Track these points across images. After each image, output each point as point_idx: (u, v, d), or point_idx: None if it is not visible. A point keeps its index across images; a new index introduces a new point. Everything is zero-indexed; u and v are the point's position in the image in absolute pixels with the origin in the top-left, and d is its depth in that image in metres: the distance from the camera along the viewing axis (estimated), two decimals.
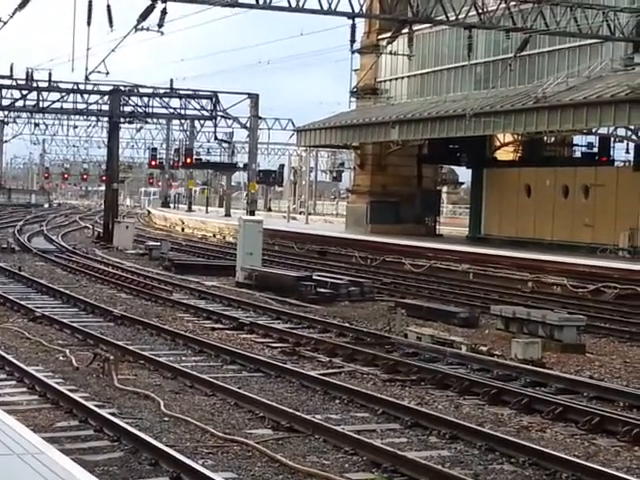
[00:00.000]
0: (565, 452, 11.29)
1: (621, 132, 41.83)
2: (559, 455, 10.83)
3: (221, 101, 55.28)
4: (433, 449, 11.44)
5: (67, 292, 25.68)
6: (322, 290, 26.71)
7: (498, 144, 48.91)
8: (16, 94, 52.50)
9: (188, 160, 76.38)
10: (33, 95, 52.56)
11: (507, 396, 14.07)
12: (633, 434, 11.98)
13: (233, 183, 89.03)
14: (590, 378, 15.97)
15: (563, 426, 12.78)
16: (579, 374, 16.41)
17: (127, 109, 53.30)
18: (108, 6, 33.68)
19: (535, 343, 17.32)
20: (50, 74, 51.68)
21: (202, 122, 64.30)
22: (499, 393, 14.22)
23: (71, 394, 13.13)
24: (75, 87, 52.18)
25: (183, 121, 70.88)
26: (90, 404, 12.59)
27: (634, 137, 39.73)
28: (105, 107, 52.81)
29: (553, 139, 49.39)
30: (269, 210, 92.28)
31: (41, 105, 53.30)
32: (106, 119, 54.74)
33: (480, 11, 35.75)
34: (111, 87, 51.61)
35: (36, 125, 78.00)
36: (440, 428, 12.07)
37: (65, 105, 53.78)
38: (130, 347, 17.51)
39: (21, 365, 15.14)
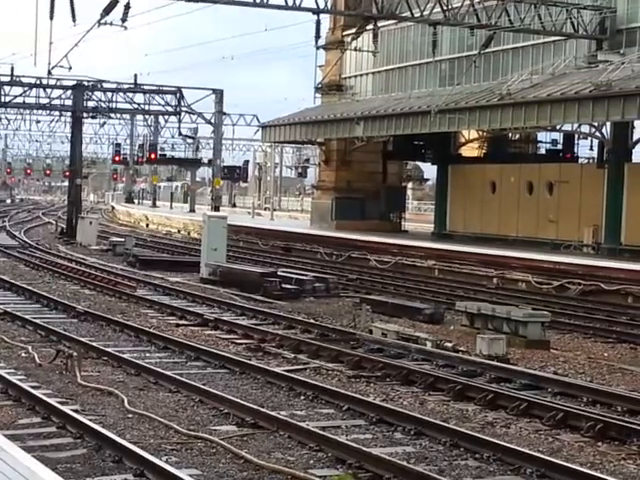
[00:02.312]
0: (529, 447, 11.31)
1: (585, 129, 42.05)
2: (523, 450, 10.85)
3: (185, 97, 55.22)
4: (398, 445, 11.43)
5: (30, 288, 25.47)
6: (287, 286, 26.66)
7: (463, 140, 49.06)
8: None
9: (152, 156, 76.18)
10: None
11: (472, 392, 14.08)
12: (597, 430, 12.02)
13: (198, 179, 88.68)
14: (554, 374, 16.01)
15: (527, 422, 12.80)
16: (543, 370, 16.46)
17: (90, 104, 53.00)
18: (71, 0, 33.51)
19: (500, 339, 17.35)
20: (12, 68, 51.42)
21: (166, 117, 64.03)
22: (464, 389, 14.23)
23: (33, 391, 13.02)
24: (38, 82, 51.83)
25: (147, 116, 70.56)
26: (53, 401, 12.49)
27: (597, 134, 39.96)
28: (68, 102, 52.47)
29: (518, 136, 49.63)
30: (234, 206, 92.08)
31: (3, 100, 52.89)
32: (69, 114, 54.33)
33: (445, 8, 35.88)
34: (74, 82, 51.30)
35: None
36: (405, 424, 12.06)
37: (27, 100, 53.45)
38: (94, 343, 17.40)
39: None
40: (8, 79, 51.81)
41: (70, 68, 39.43)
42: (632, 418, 12.78)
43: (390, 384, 15.04)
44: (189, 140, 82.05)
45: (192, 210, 70.74)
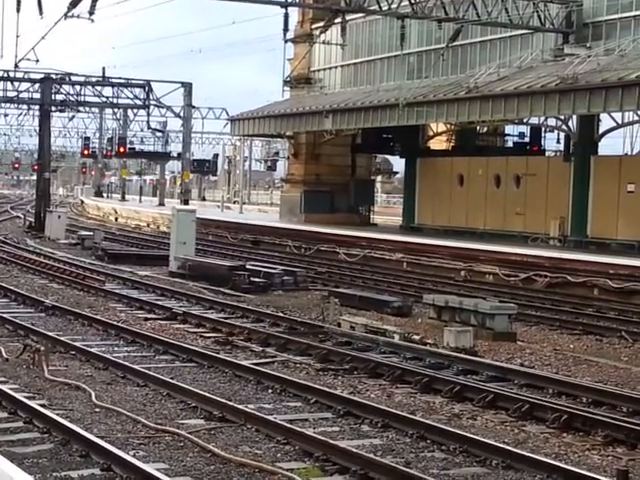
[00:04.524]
0: (495, 439, 11.39)
1: (551, 122, 42.29)
2: (489, 442, 10.92)
3: (154, 90, 54.93)
4: (365, 438, 11.48)
5: None
6: (255, 279, 26.67)
7: (431, 134, 49.21)
8: None
9: (121, 149, 75.89)
10: None
11: (439, 384, 14.16)
12: (562, 421, 12.13)
13: (167, 172, 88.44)
14: (521, 366, 16.12)
15: (494, 413, 12.89)
16: (510, 362, 16.56)
17: (59, 97, 52.68)
18: None
19: (467, 331, 17.44)
20: None
21: (135, 111, 63.72)
22: (431, 381, 14.30)
23: (0, 386, 12.98)
24: (5, 75, 51.48)
25: (116, 110, 70.26)
26: (20, 395, 12.44)
27: (564, 127, 40.18)
28: (36, 95, 52.12)
29: (485, 129, 49.80)
30: (203, 199, 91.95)
31: None
32: (37, 107, 53.99)
33: (412, 1, 35.98)
34: (42, 75, 51.00)
35: None
36: (372, 417, 12.11)
37: None
38: (61, 338, 17.35)
39: None
40: None
41: (37, 61, 39.24)
42: (597, 409, 12.90)
43: (358, 377, 15.09)
44: (158, 134, 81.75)
45: (161, 204, 70.55)
